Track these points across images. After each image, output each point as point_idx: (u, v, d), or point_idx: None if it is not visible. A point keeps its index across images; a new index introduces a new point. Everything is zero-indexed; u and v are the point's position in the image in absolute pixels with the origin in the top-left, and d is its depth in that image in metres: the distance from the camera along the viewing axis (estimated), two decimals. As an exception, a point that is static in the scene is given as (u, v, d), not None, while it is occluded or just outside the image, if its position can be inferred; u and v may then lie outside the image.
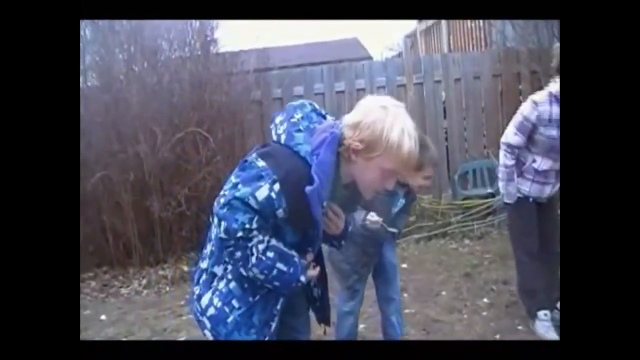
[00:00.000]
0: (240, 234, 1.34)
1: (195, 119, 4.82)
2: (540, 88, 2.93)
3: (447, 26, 9.02)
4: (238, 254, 1.38)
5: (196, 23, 5.17)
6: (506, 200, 3.00)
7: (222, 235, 1.36)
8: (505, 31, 6.29)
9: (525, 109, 2.79)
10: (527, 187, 2.91)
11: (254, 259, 1.39)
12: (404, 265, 4.37)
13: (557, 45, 2.83)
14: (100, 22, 4.80)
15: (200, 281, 1.54)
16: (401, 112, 1.42)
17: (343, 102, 5.54)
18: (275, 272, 1.42)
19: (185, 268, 4.60)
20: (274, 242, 1.42)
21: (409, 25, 11.18)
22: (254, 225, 1.34)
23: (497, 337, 3.00)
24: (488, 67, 5.79)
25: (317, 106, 1.54)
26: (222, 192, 1.37)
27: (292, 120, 1.45)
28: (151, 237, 4.80)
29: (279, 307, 1.52)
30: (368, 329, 3.08)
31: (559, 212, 3.05)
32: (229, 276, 1.48)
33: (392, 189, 2.29)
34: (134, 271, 4.67)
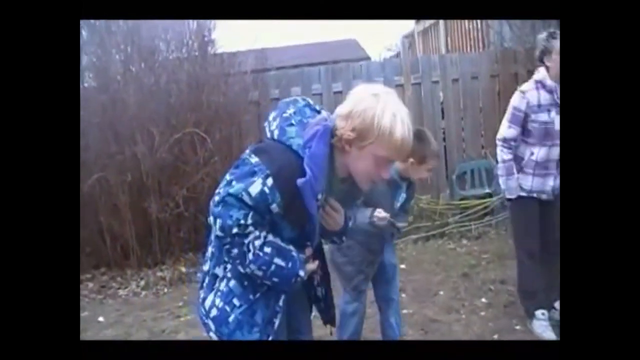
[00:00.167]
0: (235, 230, 1.34)
1: (192, 120, 4.81)
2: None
3: (445, 27, 9.03)
4: (235, 251, 1.38)
5: (193, 24, 5.17)
6: (508, 196, 3.01)
7: (218, 232, 1.37)
8: (503, 32, 6.30)
9: (514, 100, 2.88)
10: (529, 182, 2.91)
11: (251, 255, 1.38)
12: (402, 266, 4.37)
13: (540, 36, 2.88)
14: (97, 22, 4.80)
15: (204, 284, 1.54)
16: (392, 98, 1.42)
17: (341, 103, 5.52)
18: (273, 267, 1.41)
19: (184, 269, 4.59)
20: (270, 237, 1.41)
21: (407, 25, 11.20)
22: (249, 221, 1.34)
23: (495, 337, 3.01)
24: (486, 67, 5.80)
25: (310, 102, 1.54)
26: (217, 190, 1.38)
27: (285, 115, 1.45)
28: (149, 239, 4.79)
29: (281, 303, 1.51)
30: (366, 328, 3.06)
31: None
32: (229, 275, 1.48)
33: (392, 181, 2.31)
34: (132, 273, 4.66)
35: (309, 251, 1.51)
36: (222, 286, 1.49)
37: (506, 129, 2.90)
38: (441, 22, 9.02)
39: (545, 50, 2.80)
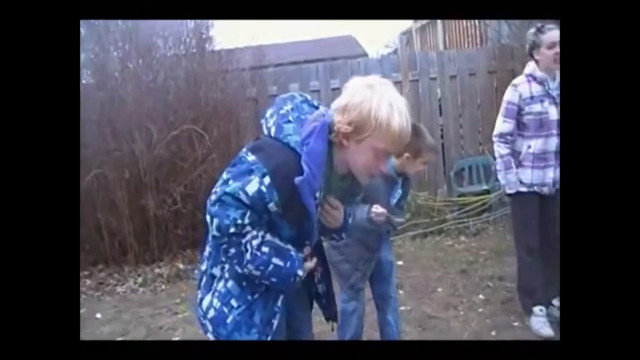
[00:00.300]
0: (232, 229, 1.32)
1: (190, 117, 4.81)
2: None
3: (443, 24, 9.02)
4: (232, 250, 1.36)
5: (191, 21, 5.16)
6: (507, 191, 3.02)
7: (215, 232, 1.35)
8: (500, 29, 6.30)
9: (507, 94, 2.95)
10: (528, 176, 2.92)
11: (248, 255, 1.36)
12: (400, 263, 4.38)
13: (529, 31, 2.93)
14: (95, 20, 4.78)
15: (201, 284, 1.52)
16: (388, 88, 1.40)
17: (339, 100, 5.53)
18: (271, 267, 1.39)
19: (181, 266, 4.59)
20: (268, 237, 1.39)
21: (405, 22, 11.18)
22: (246, 221, 1.32)
23: (493, 333, 3.01)
24: (483, 64, 5.81)
25: (308, 97, 1.51)
26: (214, 190, 1.36)
27: (281, 112, 1.42)
28: (147, 235, 4.79)
29: (279, 303, 1.49)
30: (364, 325, 3.08)
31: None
32: (227, 275, 1.46)
33: (388, 177, 2.30)
34: (130, 269, 4.66)
35: (307, 250, 1.49)
36: (220, 287, 1.47)
37: (501, 124, 2.95)
38: (439, 19, 9.00)
39: (533, 45, 2.88)
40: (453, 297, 3.60)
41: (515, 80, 2.95)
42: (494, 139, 2.99)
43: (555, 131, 2.85)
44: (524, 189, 2.94)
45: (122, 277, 4.57)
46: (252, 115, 5.30)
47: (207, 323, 1.48)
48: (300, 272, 1.44)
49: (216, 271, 1.48)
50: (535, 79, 2.87)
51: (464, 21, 8.06)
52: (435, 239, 5.01)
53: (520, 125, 2.92)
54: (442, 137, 5.77)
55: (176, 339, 3.30)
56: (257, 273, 1.39)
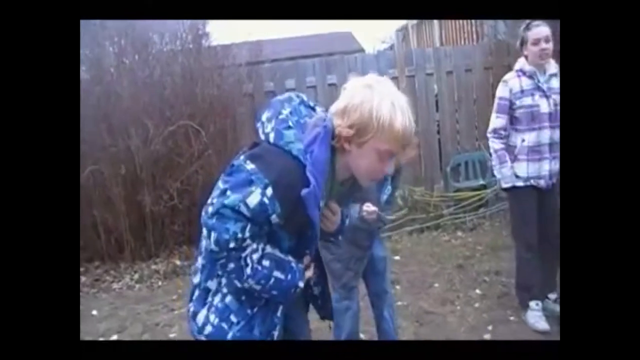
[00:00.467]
0: (232, 244, 1.24)
1: (187, 112, 4.80)
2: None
3: (439, 20, 9.01)
4: (231, 265, 1.29)
5: (187, 17, 5.14)
6: (503, 185, 3.05)
7: (213, 247, 1.26)
8: (496, 25, 6.30)
9: (499, 90, 3.01)
10: (524, 169, 2.95)
11: (249, 270, 1.29)
12: (397, 258, 4.39)
13: (521, 27, 2.98)
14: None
15: (194, 297, 1.43)
16: (388, 87, 1.34)
17: (335, 95, 5.51)
18: (272, 281, 1.33)
19: (178, 262, 4.59)
20: (269, 249, 1.33)
21: (401, 18, 11.15)
22: (247, 234, 1.25)
23: (489, 328, 3.03)
24: (479, 60, 5.82)
25: (305, 98, 1.44)
26: (209, 200, 1.27)
27: (280, 117, 1.33)
28: (143, 232, 4.78)
29: (279, 314, 1.44)
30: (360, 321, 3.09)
31: (558, 203, 3.11)
32: (224, 290, 1.38)
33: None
34: (126, 266, 4.66)
35: (307, 259, 1.44)
36: (217, 301, 1.39)
37: (494, 120, 3.01)
38: (435, 14, 8.99)
39: (522, 41, 2.96)
40: (450, 292, 3.61)
41: (506, 76, 3.01)
42: (489, 135, 3.05)
43: (547, 124, 2.90)
44: (520, 183, 2.96)
45: (118, 273, 4.57)
46: (248, 111, 5.30)
47: (203, 339, 1.41)
48: (301, 284, 1.40)
49: (211, 285, 1.40)
50: (524, 73, 2.93)
51: (461, 17, 8.06)
52: (432, 234, 5.02)
53: (513, 120, 2.98)
54: (438, 132, 5.78)
55: (173, 335, 3.30)
56: (258, 287, 1.33)
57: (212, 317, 1.39)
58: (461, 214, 5.26)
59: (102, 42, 4.95)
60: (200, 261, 1.42)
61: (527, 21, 2.91)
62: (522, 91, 2.92)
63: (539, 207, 2.98)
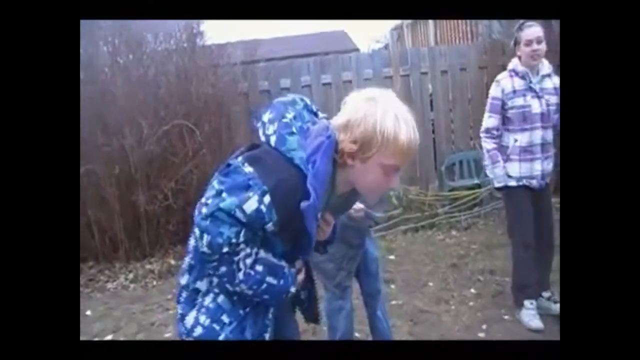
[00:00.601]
0: (226, 249, 1.21)
1: (181, 112, 4.78)
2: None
3: (438, 20, 9.03)
4: (223, 269, 1.26)
5: (182, 15, 5.13)
6: (496, 184, 3.09)
7: (205, 249, 1.23)
8: (491, 24, 6.32)
9: (491, 90, 3.05)
10: (516, 169, 2.97)
11: (241, 275, 1.27)
12: (392, 257, 4.40)
13: (515, 27, 3.00)
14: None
15: (182, 299, 1.38)
16: (390, 99, 1.30)
17: (330, 94, 5.55)
18: (264, 286, 1.31)
19: (173, 262, 4.58)
20: (262, 254, 1.30)
21: (396, 17, 11.17)
22: (241, 239, 1.22)
23: (484, 326, 3.04)
24: (474, 59, 5.84)
25: (308, 101, 1.40)
26: (204, 200, 1.23)
27: (284, 120, 1.29)
28: (137, 231, 4.76)
29: (270, 316, 1.41)
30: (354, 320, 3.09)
31: (551, 203, 3.14)
32: (216, 290, 1.34)
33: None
34: (120, 266, 4.64)
35: (299, 264, 1.42)
36: (208, 302, 1.35)
37: (487, 119, 3.04)
38: (430, 13, 9.00)
39: (515, 41, 2.98)
40: (444, 291, 3.61)
41: (499, 76, 3.04)
42: (481, 134, 3.08)
43: (539, 124, 2.93)
44: (513, 183, 2.98)
45: (112, 273, 4.55)
46: (243, 110, 5.29)
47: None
48: (293, 289, 1.38)
49: (201, 285, 1.36)
50: (517, 73, 2.95)
51: (455, 16, 8.08)
52: (426, 234, 5.03)
53: (505, 120, 3.00)
54: (433, 131, 5.79)
55: (168, 335, 3.29)
56: (250, 292, 1.31)
57: (202, 318, 1.35)
58: (456, 213, 5.27)
59: (96, 41, 4.93)
60: (188, 261, 1.38)
61: (521, 21, 2.92)
62: (514, 92, 2.94)
63: (533, 206, 2.99)
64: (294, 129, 1.28)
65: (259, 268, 1.29)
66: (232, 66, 5.25)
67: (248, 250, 1.26)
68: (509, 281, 3.23)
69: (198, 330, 1.34)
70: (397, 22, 10.76)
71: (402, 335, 3.00)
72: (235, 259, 1.25)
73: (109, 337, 3.34)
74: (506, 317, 3.12)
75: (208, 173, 4.59)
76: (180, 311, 1.38)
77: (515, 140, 2.95)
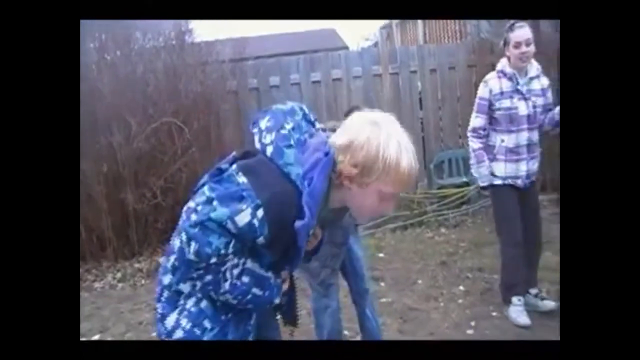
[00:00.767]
0: (214, 260, 1.18)
1: (170, 109, 4.75)
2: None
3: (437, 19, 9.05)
4: (209, 277, 1.23)
5: (171, 13, 5.09)
6: (480, 184, 3.13)
7: (192, 257, 1.19)
8: (479, 23, 6.35)
9: (479, 90, 3.07)
10: (502, 169, 3.00)
11: (227, 285, 1.24)
12: (381, 255, 4.41)
13: (505, 27, 3.01)
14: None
15: (163, 298, 1.34)
16: (395, 125, 1.26)
17: (319, 92, 5.54)
18: (249, 296, 1.28)
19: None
20: (249, 264, 1.27)
21: (385, 15, 11.18)
22: (230, 250, 1.18)
23: (472, 323, 3.06)
24: (463, 58, 5.87)
25: (306, 110, 1.36)
26: (193, 205, 1.19)
27: (282, 132, 1.25)
28: (126, 230, 4.73)
29: (252, 322, 1.39)
30: (342, 318, 3.08)
31: (538, 201, 3.17)
32: (199, 294, 1.31)
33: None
34: (108, 264, 4.61)
35: (285, 274, 1.39)
36: (190, 305, 1.31)
37: (474, 119, 3.06)
38: (420, 12, 9.02)
39: (504, 42, 2.99)
40: (433, 288, 3.63)
41: (487, 77, 3.06)
42: (468, 134, 3.10)
43: (525, 126, 2.96)
44: (498, 182, 3.02)
45: (100, 272, 4.52)
46: (232, 107, 5.27)
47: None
48: (277, 300, 1.36)
49: (184, 287, 1.31)
50: (505, 75, 2.98)
51: (444, 15, 8.10)
52: (415, 231, 5.05)
53: (492, 120, 3.03)
54: (422, 129, 5.81)
55: (155, 334, 3.27)
56: (234, 302, 1.29)
57: (183, 322, 1.31)
58: (444, 210, 5.30)
59: (83, 37, 4.88)
60: (172, 261, 1.33)
61: (512, 21, 2.94)
62: (501, 93, 2.96)
63: (519, 204, 3.02)
64: (292, 142, 1.24)
65: (246, 279, 1.26)
66: (221, 64, 5.23)
67: (235, 260, 1.23)
68: (497, 278, 3.25)
69: (179, 333, 1.31)
70: (387, 20, 10.78)
71: (392, 332, 3.02)
72: (222, 268, 1.22)
73: (96, 337, 3.32)
74: (494, 313, 3.15)
75: (197, 171, 4.59)
76: (160, 311, 1.35)
77: (502, 141, 2.99)
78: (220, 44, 5.33)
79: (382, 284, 3.75)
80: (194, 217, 1.17)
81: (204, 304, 1.31)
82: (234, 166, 1.25)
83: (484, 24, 6.15)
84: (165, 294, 1.34)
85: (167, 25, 5.11)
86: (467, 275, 3.79)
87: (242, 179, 1.20)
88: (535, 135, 3.00)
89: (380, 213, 1.33)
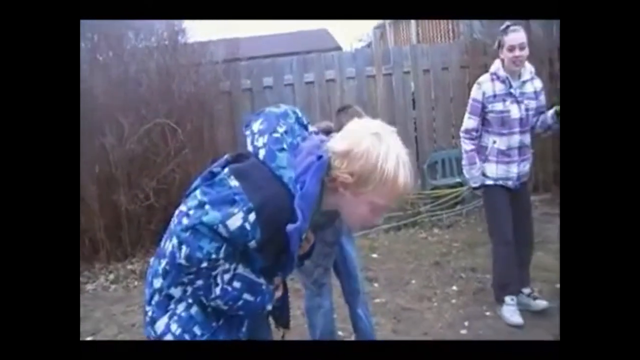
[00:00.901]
0: (205, 264, 1.17)
1: (163, 110, 4.73)
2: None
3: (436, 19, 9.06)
4: (200, 282, 1.22)
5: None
6: (472, 185, 3.15)
7: (183, 261, 1.17)
8: (472, 24, 6.37)
9: (473, 91, 3.08)
10: (493, 170, 3.02)
11: (218, 290, 1.23)
12: (374, 255, 4.41)
13: (500, 29, 3.02)
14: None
15: (153, 302, 1.33)
16: (395, 138, 1.25)
17: (313, 93, 5.54)
18: (241, 302, 1.27)
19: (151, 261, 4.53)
20: (240, 269, 1.25)
21: (379, 16, 11.19)
22: (221, 255, 1.17)
23: (466, 323, 3.06)
24: (456, 58, 5.88)
25: (299, 113, 1.36)
26: (185, 208, 1.18)
27: (275, 135, 1.24)
28: (119, 231, 4.71)
29: (244, 329, 1.38)
30: (336, 319, 3.08)
31: (530, 201, 3.18)
32: (190, 300, 1.29)
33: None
34: (101, 266, 4.58)
35: (277, 280, 1.39)
36: (180, 310, 1.30)
37: (466, 120, 3.07)
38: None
39: (498, 44, 3.00)
40: (427, 288, 3.64)
41: (480, 79, 3.06)
42: (461, 134, 3.11)
43: (517, 129, 2.97)
44: (489, 182, 3.04)
45: (92, 274, 4.49)
46: (225, 108, 5.26)
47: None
48: (269, 307, 1.35)
49: (175, 292, 1.30)
50: (498, 77, 2.99)
51: (437, 16, 8.12)
52: (409, 232, 5.06)
53: (485, 122, 3.04)
54: (415, 130, 5.82)
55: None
56: (225, 307, 1.28)
57: (173, 327, 1.30)
58: (438, 211, 5.31)
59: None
60: (163, 265, 1.31)
61: (507, 23, 2.94)
62: (494, 96, 2.97)
63: (511, 205, 3.04)
64: (284, 145, 1.24)
65: (237, 285, 1.25)
66: (214, 64, 5.21)
67: (227, 265, 1.22)
68: (490, 278, 3.26)
69: (168, 338, 1.30)
70: (380, 20, 10.80)
71: (386, 332, 3.02)
72: (213, 273, 1.21)
73: (88, 339, 3.30)
74: (487, 313, 3.16)
75: (190, 172, 4.57)
76: (150, 314, 1.34)
77: (494, 142, 3.00)
78: (214, 45, 5.32)
79: (376, 284, 3.75)
80: (185, 221, 1.16)
81: (194, 310, 1.30)
82: (226, 169, 1.24)
83: (476, 24, 6.17)
84: (156, 297, 1.33)
85: (160, 26, 5.09)
86: (460, 275, 3.80)
87: (234, 182, 1.19)
88: (527, 138, 3.02)
89: (370, 223, 1.34)
